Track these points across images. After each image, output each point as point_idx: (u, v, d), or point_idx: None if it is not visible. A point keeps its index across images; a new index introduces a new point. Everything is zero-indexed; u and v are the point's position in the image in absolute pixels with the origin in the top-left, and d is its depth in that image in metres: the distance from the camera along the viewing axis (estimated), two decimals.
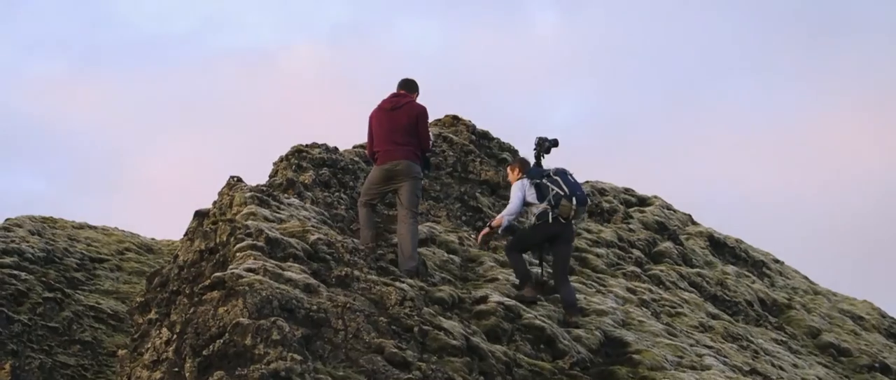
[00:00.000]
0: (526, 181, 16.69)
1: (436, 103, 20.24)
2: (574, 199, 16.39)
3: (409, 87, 16.39)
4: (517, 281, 16.47)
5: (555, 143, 17.27)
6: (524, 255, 16.90)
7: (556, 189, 16.43)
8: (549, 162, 17.20)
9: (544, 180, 16.54)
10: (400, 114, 15.99)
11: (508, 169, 17.38)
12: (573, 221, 16.78)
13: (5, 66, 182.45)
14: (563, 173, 16.70)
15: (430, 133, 16.78)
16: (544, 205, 16.42)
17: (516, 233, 16.86)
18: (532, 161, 17.18)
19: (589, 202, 16.88)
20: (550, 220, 16.37)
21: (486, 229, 17.00)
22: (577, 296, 16.88)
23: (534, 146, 17.25)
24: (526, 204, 16.65)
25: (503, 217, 16.69)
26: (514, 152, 23.68)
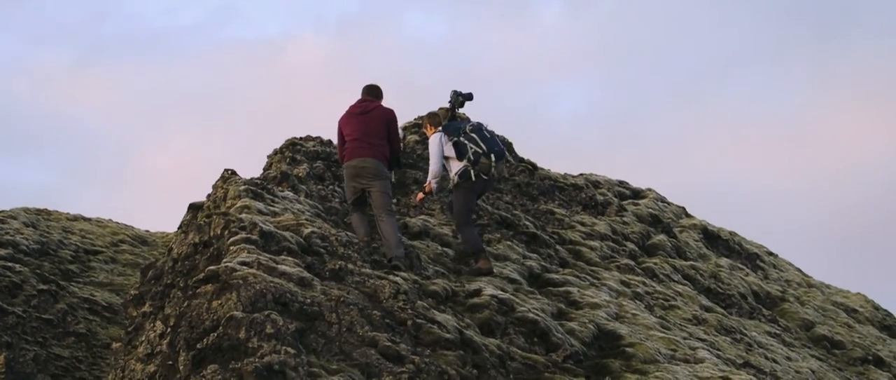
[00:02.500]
0: (442, 136, 16.96)
1: (440, 95, 20.27)
2: (492, 155, 16.71)
3: (374, 93, 16.74)
4: (471, 253, 16.74)
5: (469, 96, 17.50)
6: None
7: (475, 147, 16.71)
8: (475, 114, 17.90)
9: (461, 138, 16.80)
10: (371, 118, 16.30)
11: (424, 127, 17.67)
12: (494, 176, 17.10)
13: (12, 57, 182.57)
14: (478, 129, 17.00)
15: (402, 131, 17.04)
16: (464, 163, 16.71)
17: (453, 208, 17.12)
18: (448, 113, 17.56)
19: (506, 155, 17.31)
20: (473, 178, 16.69)
21: (421, 194, 17.33)
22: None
23: (449, 99, 17.48)
24: (445, 158, 16.93)
25: (430, 182, 17.03)
26: (508, 144, 23.68)
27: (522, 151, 23.98)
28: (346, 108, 16.59)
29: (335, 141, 17.80)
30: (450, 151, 16.82)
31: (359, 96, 16.67)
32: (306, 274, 13.02)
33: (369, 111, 16.34)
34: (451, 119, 17.30)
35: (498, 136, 17.25)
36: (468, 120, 17.48)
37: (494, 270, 16.58)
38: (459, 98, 17.42)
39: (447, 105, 17.55)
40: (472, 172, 16.66)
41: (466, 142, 16.73)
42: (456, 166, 16.78)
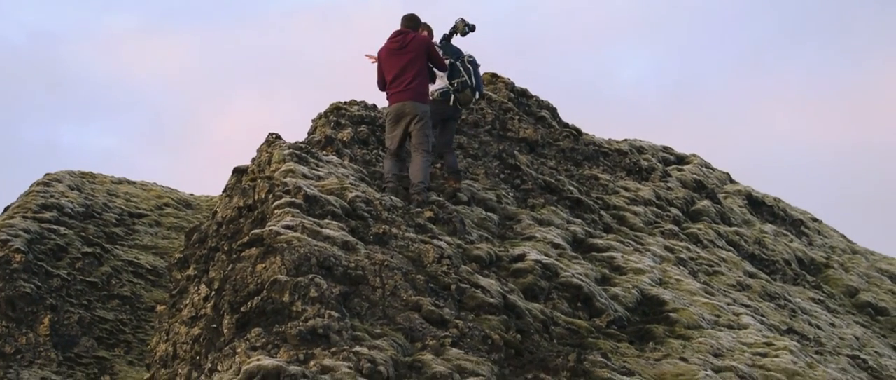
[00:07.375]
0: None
1: (504, 61, 20.45)
2: (477, 93, 17.37)
3: (411, 23, 17.06)
4: (448, 174, 17.42)
5: (472, 28, 17.87)
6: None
7: (466, 77, 17.25)
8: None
9: (458, 63, 17.32)
10: (407, 52, 16.56)
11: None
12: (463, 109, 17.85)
13: (78, 23, 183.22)
14: (474, 63, 17.47)
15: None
16: (447, 84, 17.25)
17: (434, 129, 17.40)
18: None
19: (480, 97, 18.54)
20: (451, 102, 17.27)
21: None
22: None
23: (453, 26, 17.79)
24: None
25: None
26: (552, 110, 23.63)
27: (577, 116, 23.98)
28: (385, 40, 16.88)
29: (381, 104, 17.90)
30: None
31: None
32: (350, 238, 13.03)
33: (406, 45, 16.59)
34: (446, 42, 17.68)
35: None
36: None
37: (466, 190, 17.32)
38: (466, 28, 17.80)
39: (446, 32, 17.85)
40: (452, 96, 17.22)
41: (462, 69, 17.25)
42: (440, 83, 17.26)
